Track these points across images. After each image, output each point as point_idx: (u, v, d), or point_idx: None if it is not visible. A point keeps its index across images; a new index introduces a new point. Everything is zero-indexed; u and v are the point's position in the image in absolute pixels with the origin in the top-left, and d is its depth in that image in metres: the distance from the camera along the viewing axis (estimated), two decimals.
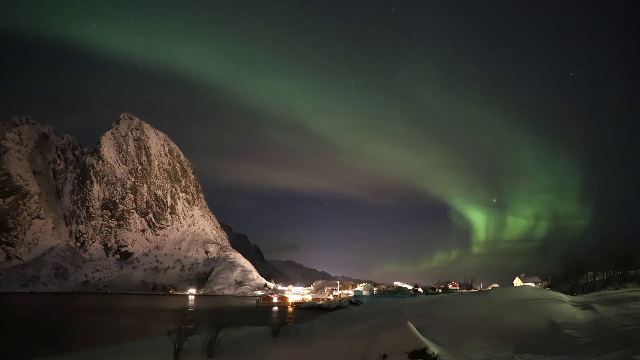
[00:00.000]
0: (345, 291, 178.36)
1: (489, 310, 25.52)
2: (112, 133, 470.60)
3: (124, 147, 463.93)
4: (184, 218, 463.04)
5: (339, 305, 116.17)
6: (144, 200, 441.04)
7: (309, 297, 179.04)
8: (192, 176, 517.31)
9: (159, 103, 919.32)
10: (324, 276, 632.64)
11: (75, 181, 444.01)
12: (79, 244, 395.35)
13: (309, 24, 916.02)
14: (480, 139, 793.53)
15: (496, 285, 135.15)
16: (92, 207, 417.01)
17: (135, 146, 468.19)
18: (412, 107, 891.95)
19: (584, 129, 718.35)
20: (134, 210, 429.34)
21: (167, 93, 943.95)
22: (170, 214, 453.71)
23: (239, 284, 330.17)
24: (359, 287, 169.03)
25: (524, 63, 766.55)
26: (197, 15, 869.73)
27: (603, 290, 34.95)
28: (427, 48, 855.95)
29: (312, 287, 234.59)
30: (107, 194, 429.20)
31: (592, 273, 41.54)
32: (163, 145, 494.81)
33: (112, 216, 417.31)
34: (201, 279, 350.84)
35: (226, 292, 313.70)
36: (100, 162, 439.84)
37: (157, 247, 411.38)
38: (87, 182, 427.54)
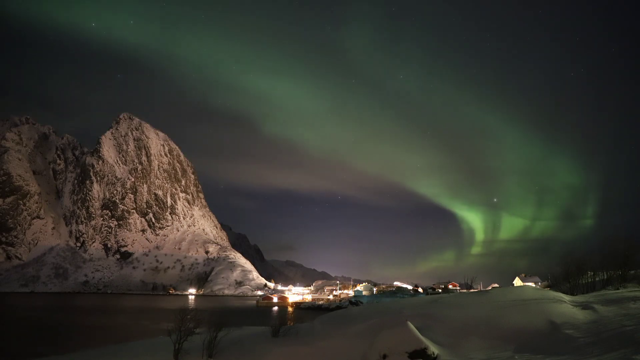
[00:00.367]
0: (345, 291, 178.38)
1: (489, 310, 25.52)
2: (112, 133, 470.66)
3: (124, 147, 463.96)
4: (184, 218, 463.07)
5: (339, 305, 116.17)
6: (144, 200, 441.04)
7: (309, 297, 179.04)
8: (192, 176, 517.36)
9: (159, 103, 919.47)
10: (324, 276, 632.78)
11: (75, 181, 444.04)
12: (79, 244, 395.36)
13: (308, 24, 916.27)
14: (480, 139, 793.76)
15: (496, 285, 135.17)
16: (92, 207, 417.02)
17: (135, 146, 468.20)
18: (412, 107, 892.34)
19: (584, 128, 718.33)
20: (134, 210, 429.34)
21: (167, 93, 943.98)
22: (170, 214, 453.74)
23: (239, 284, 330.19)
24: (359, 287, 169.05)
25: (524, 63, 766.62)
26: (198, 16, 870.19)
27: (603, 290, 34.96)
28: (427, 48, 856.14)
29: (312, 287, 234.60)
30: (107, 194, 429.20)
31: (592, 273, 41.56)
32: (163, 145, 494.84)
33: (112, 216, 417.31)
34: (201, 279, 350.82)
35: (226, 292, 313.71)
36: (100, 162, 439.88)
37: (157, 247, 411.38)
38: (87, 182, 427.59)
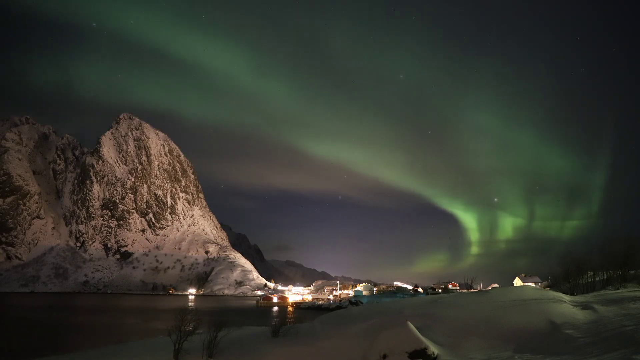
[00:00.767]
0: (345, 291, 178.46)
1: (489, 310, 25.53)
2: (112, 133, 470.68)
3: (124, 147, 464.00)
4: (184, 218, 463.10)
5: (339, 305, 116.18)
6: (144, 200, 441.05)
7: (309, 297, 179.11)
8: (192, 176, 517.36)
9: (159, 103, 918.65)
10: (324, 276, 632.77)
11: (75, 181, 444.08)
12: (79, 244, 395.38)
13: (309, 24, 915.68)
14: (480, 139, 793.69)
15: (496, 285, 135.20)
16: (92, 207, 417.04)
17: (135, 146, 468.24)
18: (412, 107, 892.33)
19: (584, 128, 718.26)
20: (134, 210, 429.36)
21: (167, 93, 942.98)
22: (170, 214, 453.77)
23: (239, 284, 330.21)
24: (359, 287, 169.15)
25: (525, 63, 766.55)
26: (198, 16, 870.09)
27: (603, 290, 34.97)
28: (427, 48, 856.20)
29: (312, 287, 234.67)
30: (107, 194, 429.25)
31: (592, 273, 41.58)
32: (163, 145, 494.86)
33: (112, 216, 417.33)
34: (201, 279, 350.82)
35: (226, 292, 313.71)
36: (100, 162, 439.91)
37: (157, 247, 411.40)
38: (87, 182, 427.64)
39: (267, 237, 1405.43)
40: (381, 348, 19.62)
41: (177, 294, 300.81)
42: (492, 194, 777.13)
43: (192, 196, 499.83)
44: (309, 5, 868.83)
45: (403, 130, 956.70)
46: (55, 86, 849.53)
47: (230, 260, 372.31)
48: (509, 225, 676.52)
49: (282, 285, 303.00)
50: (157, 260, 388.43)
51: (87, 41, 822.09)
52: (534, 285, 51.85)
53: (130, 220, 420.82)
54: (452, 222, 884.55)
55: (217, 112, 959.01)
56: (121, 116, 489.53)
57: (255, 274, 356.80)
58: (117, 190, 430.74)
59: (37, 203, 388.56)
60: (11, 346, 44.45)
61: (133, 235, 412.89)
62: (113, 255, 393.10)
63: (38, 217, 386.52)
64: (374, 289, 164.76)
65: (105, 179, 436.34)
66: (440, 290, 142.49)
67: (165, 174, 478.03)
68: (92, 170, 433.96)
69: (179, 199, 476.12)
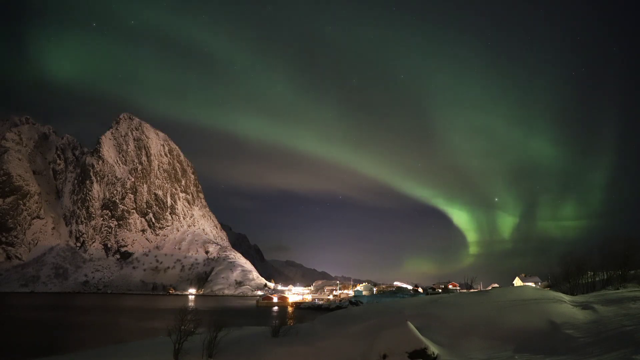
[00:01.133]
0: (345, 291, 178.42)
1: (489, 310, 25.54)
2: (112, 133, 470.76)
3: (124, 147, 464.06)
4: (184, 218, 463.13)
5: (339, 305, 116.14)
6: (144, 200, 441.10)
7: (309, 297, 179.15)
8: (192, 176, 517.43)
9: (160, 103, 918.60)
10: (324, 276, 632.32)
11: (75, 181, 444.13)
12: (79, 244, 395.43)
13: (308, 25, 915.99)
14: (480, 139, 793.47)
15: (496, 285, 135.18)
16: (92, 207, 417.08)
17: (135, 146, 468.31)
18: (412, 107, 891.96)
19: (585, 128, 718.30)
20: (134, 210, 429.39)
21: (167, 92, 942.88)
22: (170, 214, 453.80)
23: (239, 284, 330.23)
24: (359, 287, 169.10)
25: (525, 62, 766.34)
26: (198, 15, 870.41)
27: (603, 290, 34.97)
28: (428, 48, 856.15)
29: (312, 287, 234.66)
30: (107, 194, 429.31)
31: (592, 273, 41.58)
32: (163, 145, 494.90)
33: (112, 216, 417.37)
34: (201, 279, 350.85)
35: (226, 292, 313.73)
36: (100, 162, 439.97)
37: (157, 247, 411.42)
38: (87, 182, 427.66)
39: (267, 237, 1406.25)
40: (381, 348, 19.63)
41: (177, 294, 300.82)
42: (492, 194, 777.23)
43: (192, 196, 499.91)
44: (309, 5, 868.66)
45: (403, 130, 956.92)
46: (55, 86, 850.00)
47: (230, 260, 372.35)
48: (508, 225, 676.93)
49: (282, 285, 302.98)
50: (157, 260, 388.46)
51: (88, 41, 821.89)
52: (534, 285, 51.89)
53: (130, 220, 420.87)
54: (452, 222, 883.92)
55: (217, 112, 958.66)
56: (121, 116, 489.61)
57: (255, 274, 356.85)
58: (117, 190, 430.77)
59: (37, 203, 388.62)
60: (11, 346, 44.45)
61: (133, 235, 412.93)
62: (113, 255, 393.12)
63: (38, 217, 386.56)
64: (374, 289, 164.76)
65: (105, 179, 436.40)
66: (440, 290, 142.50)
67: (165, 174, 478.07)
68: (92, 170, 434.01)
69: (179, 199, 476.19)
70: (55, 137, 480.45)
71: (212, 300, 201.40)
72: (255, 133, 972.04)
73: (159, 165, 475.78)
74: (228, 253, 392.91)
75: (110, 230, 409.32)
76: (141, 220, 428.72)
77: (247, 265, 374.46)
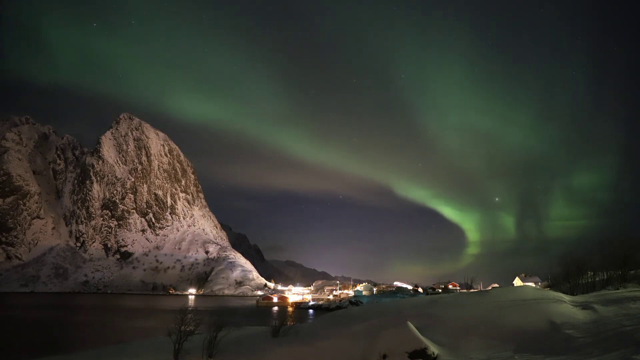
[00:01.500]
0: (345, 291, 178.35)
1: (489, 310, 25.53)
2: (112, 133, 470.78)
3: (124, 147, 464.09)
4: (184, 218, 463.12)
5: (339, 305, 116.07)
6: (144, 200, 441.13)
7: (309, 297, 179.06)
8: (192, 176, 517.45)
9: (160, 103, 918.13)
10: (324, 276, 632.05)
11: (75, 181, 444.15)
12: (79, 244, 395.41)
13: (309, 25, 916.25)
14: (481, 139, 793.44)
15: (496, 285, 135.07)
16: (92, 207, 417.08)
17: (135, 146, 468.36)
18: (412, 107, 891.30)
19: (585, 129, 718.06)
20: (134, 210, 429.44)
21: (167, 93, 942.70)
22: (170, 214, 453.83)
23: (239, 284, 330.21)
24: (359, 287, 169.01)
25: (526, 62, 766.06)
26: (199, 16, 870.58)
27: (603, 290, 34.93)
28: (428, 48, 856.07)
29: (312, 287, 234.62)
30: (107, 194, 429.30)
31: (592, 273, 41.52)
32: (163, 145, 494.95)
33: (112, 216, 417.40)
34: (201, 279, 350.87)
35: (226, 292, 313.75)
36: (100, 162, 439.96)
37: (157, 247, 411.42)
38: (87, 182, 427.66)
39: (267, 237, 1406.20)
40: (381, 348, 19.63)
41: (177, 294, 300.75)
42: (492, 194, 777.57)
43: (192, 196, 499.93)
44: (309, 5, 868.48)
45: (403, 130, 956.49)
46: (55, 86, 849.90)
47: (230, 260, 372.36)
48: (509, 225, 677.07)
49: (282, 285, 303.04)
50: (157, 260, 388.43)
51: (88, 41, 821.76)
52: (534, 285, 51.87)
53: (130, 220, 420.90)
54: (452, 222, 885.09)
55: (217, 113, 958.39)
56: (121, 116, 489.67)
57: (255, 274, 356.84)
58: (117, 190, 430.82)
59: (37, 203, 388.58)
60: (11, 346, 44.45)
61: (133, 235, 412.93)
62: (113, 255, 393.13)
63: (38, 217, 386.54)
64: (374, 289, 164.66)
65: (105, 179, 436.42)
66: (440, 290, 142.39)
67: (165, 174, 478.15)
68: (92, 170, 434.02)
69: (179, 199, 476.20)
70: (55, 137, 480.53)
71: (212, 300, 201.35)
72: (256, 134, 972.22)
73: (159, 165, 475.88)
74: (228, 253, 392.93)
75: (110, 230, 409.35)
76: (141, 220, 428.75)
77: (247, 265, 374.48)
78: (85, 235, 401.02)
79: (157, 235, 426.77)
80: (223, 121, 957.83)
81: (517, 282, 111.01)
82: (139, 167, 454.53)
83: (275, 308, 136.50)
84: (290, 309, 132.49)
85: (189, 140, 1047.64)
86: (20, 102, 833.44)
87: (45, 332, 59.03)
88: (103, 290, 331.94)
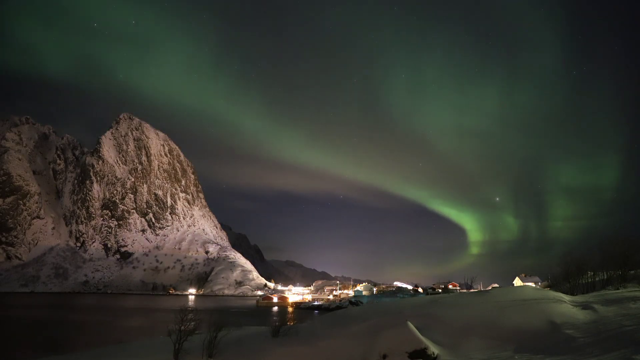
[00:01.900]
0: (345, 291, 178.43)
1: (489, 310, 25.53)
2: (112, 133, 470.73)
3: (124, 147, 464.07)
4: (184, 218, 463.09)
5: (339, 305, 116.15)
6: (144, 200, 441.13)
7: (309, 297, 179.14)
8: (192, 176, 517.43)
9: (160, 103, 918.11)
10: (324, 276, 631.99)
11: (75, 181, 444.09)
12: (79, 244, 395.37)
13: (309, 25, 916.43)
14: (482, 139, 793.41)
15: (496, 285, 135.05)
16: (92, 207, 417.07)
17: (135, 146, 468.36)
18: (413, 107, 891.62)
19: (585, 129, 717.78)
20: (134, 210, 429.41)
21: (168, 92, 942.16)
22: (170, 214, 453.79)
23: (239, 284, 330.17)
24: (359, 287, 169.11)
25: (526, 62, 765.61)
26: (199, 16, 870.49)
27: (603, 290, 34.92)
28: (428, 48, 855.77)
29: (312, 287, 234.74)
30: (107, 194, 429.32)
31: (592, 273, 41.49)
32: (163, 145, 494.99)
33: (112, 216, 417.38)
34: (201, 279, 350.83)
35: (226, 292, 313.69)
36: (100, 162, 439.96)
37: (157, 247, 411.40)
38: (87, 182, 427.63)
39: (267, 237, 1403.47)
40: (381, 348, 19.64)
41: (177, 294, 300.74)
42: (493, 194, 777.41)
43: (192, 196, 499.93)
44: (308, 4, 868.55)
45: (404, 130, 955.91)
46: (55, 86, 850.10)
47: (230, 260, 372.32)
48: (509, 225, 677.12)
49: (282, 285, 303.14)
50: (157, 260, 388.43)
51: (88, 42, 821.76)
52: (534, 285, 51.84)
53: (130, 220, 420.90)
54: (452, 222, 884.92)
55: (218, 113, 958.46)
56: (121, 116, 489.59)
57: (255, 274, 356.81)
58: (117, 190, 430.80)
59: (37, 203, 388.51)
60: (11, 346, 44.44)
61: (133, 235, 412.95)
62: (113, 255, 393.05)
63: (38, 217, 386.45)
64: (374, 289, 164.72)
65: (105, 179, 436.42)
66: (440, 290, 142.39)
67: (165, 174, 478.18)
68: (92, 170, 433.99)
69: (179, 199, 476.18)
70: (55, 137, 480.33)
71: (212, 300, 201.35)
72: (256, 135, 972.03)
73: (159, 165, 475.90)
74: (228, 253, 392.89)
75: (110, 230, 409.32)
76: (141, 220, 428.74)
77: (247, 265, 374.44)
78: (85, 235, 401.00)
79: (157, 235, 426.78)
80: (223, 121, 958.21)
81: (517, 282, 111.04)
82: (139, 167, 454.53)
83: (275, 308, 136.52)
84: (290, 309, 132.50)
85: (189, 140, 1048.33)
86: (20, 102, 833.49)
87: (45, 332, 59.03)
88: (103, 290, 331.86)
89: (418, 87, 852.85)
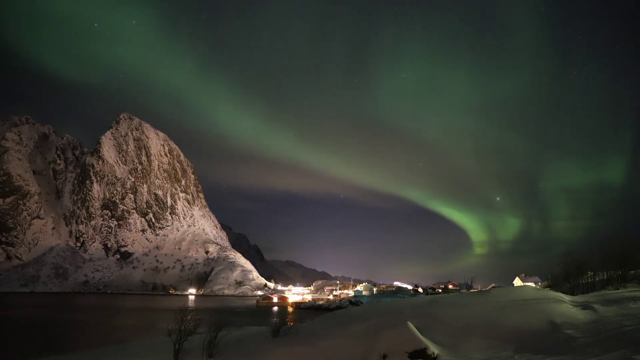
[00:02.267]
0: (345, 291, 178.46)
1: (489, 310, 25.54)
2: (112, 133, 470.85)
3: (124, 147, 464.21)
4: (184, 218, 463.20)
5: (339, 305, 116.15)
6: (144, 200, 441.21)
7: (309, 297, 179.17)
8: (192, 176, 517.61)
9: (160, 103, 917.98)
10: (324, 276, 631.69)
11: (75, 181, 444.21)
12: (79, 244, 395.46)
13: (309, 25, 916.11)
14: (482, 139, 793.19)
15: (494, 285, 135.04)
16: (92, 207, 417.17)
17: (135, 146, 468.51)
18: (413, 107, 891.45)
19: (585, 129, 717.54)
20: (134, 210, 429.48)
21: (168, 93, 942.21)
22: (170, 214, 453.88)
23: (239, 284, 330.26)
24: (359, 287, 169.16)
25: (526, 62, 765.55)
26: (199, 16, 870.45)
27: (603, 290, 34.93)
28: (428, 48, 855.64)
29: (312, 287, 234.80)
30: (107, 194, 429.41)
31: (592, 273, 41.50)
32: (163, 145, 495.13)
33: (112, 216, 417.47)
34: (201, 279, 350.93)
35: (226, 292, 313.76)
36: (100, 162, 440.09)
37: (157, 247, 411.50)
38: (87, 182, 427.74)
39: (267, 237, 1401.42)
40: (381, 348, 19.64)
41: (177, 294, 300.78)
42: (493, 194, 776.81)
43: (192, 196, 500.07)
44: (308, 4, 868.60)
45: (404, 129, 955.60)
46: (55, 86, 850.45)
47: (230, 260, 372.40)
48: (509, 225, 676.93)
49: (282, 285, 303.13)
50: (157, 260, 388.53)
51: (89, 41, 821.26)
52: (534, 285, 51.90)
53: (130, 220, 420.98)
54: (452, 222, 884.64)
55: (218, 113, 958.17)
56: (121, 116, 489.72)
57: (255, 274, 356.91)
58: (117, 190, 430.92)
59: (37, 203, 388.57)
60: (11, 346, 44.45)
61: (133, 235, 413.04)
62: (113, 255, 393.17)
63: (38, 217, 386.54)
64: (374, 289, 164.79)
65: (105, 179, 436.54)
66: (440, 290, 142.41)
67: (165, 174, 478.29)
68: (92, 170, 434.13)
69: (179, 199, 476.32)
70: (55, 137, 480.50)
71: (212, 300, 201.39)
72: (256, 136, 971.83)
73: (159, 165, 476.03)
74: (228, 253, 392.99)
75: (110, 230, 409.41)
76: (141, 220, 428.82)
77: (247, 265, 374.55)
78: (85, 235, 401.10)
79: (157, 235, 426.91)
80: (223, 121, 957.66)
81: (517, 282, 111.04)
82: (139, 167, 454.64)
83: (275, 308, 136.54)
84: (290, 309, 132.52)
85: (189, 140, 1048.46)
86: (20, 102, 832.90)
87: (45, 332, 59.03)
88: (103, 290, 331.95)
89: (418, 87, 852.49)
